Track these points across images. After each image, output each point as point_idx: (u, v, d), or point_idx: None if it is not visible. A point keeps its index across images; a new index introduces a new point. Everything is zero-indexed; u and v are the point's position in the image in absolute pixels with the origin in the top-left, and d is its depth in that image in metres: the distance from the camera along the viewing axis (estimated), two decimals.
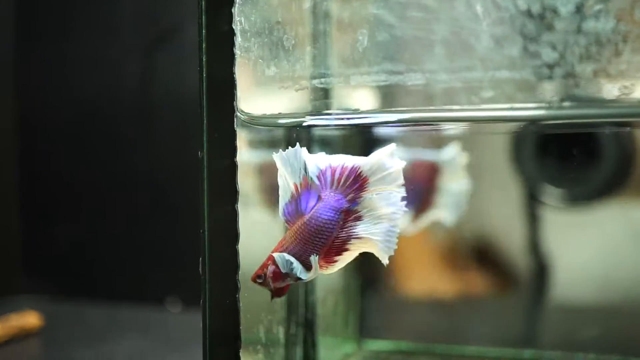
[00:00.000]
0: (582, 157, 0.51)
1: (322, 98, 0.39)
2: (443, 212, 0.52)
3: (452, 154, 0.51)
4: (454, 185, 0.52)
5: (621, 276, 0.53)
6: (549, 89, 0.36)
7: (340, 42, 0.39)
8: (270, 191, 0.41)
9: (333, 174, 0.36)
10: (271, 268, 0.36)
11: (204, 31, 0.36)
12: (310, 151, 0.35)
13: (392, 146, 0.35)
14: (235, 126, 0.37)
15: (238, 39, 0.37)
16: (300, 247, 0.36)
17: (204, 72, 0.37)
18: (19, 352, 0.64)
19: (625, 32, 0.35)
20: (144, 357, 0.61)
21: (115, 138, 0.81)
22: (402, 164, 0.35)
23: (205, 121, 0.37)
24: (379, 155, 0.35)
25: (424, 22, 0.37)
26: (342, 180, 0.36)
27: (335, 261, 0.36)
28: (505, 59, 0.36)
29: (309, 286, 0.47)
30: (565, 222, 0.54)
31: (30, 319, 0.68)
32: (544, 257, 0.54)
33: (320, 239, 0.36)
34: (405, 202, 0.35)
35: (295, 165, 0.36)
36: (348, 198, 0.36)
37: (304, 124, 0.40)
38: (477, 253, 0.57)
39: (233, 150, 0.37)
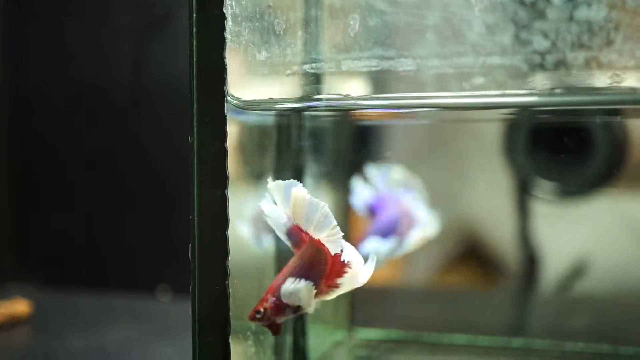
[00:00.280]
0: (573, 150, 0.51)
1: (313, 83, 0.39)
2: (425, 228, 0.52)
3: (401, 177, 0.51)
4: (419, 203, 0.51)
5: (611, 267, 0.53)
6: (540, 76, 0.36)
7: (332, 27, 0.39)
8: None
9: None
10: (272, 300, 0.37)
11: (194, 15, 0.36)
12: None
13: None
14: (225, 111, 0.37)
15: (229, 23, 0.37)
16: (304, 272, 0.37)
17: (194, 57, 0.37)
18: (7, 339, 0.64)
19: (617, 20, 0.35)
20: (134, 345, 0.61)
21: (108, 124, 0.81)
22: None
23: (195, 106, 0.37)
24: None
25: (415, 7, 0.36)
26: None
27: (338, 285, 0.37)
28: (497, 46, 0.36)
29: None
30: (556, 214, 0.54)
31: (19, 307, 0.68)
32: (534, 249, 0.54)
33: (320, 262, 0.37)
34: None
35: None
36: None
37: (295, 109, 0.40)
38: (467, 245, 0.57)
39: (223, 135, 0.37)
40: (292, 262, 0.38)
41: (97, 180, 0.82)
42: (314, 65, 0.39)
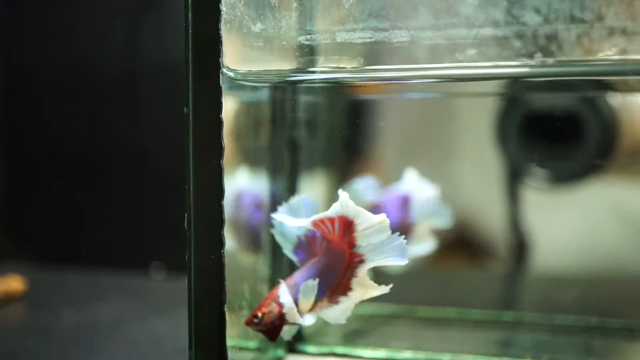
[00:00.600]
0: (564, 137, 0.52)
1: (308, 55, 0.39)
2: (435, 221, 0.51)
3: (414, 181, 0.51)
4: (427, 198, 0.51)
5: (601, 249, 0.54)
6: (532, 48, 0.36)
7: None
8: None
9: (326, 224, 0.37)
10: (273, 305, 0.38)
11: None
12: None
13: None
14: (220, 83, 0.37)
15: None
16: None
17: (189, 28, 0.37)
18: (2, 316, 0.64)
19: None
20: (128, 320, 0.62)
21: (102, 102, 0.81)
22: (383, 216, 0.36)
23: (190, 77, 0.37)
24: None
25: None
26: (336, 227, 0.37)
27: (338, 302, 0.37)
28: (489, 20, 0.37)
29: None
30: (548, 200, 0.54)
31: (13, 283, 0.68)
32: (524, 231, 0.55)
33: (330, 275, 0.38)
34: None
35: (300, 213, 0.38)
36: (346, 241, 0.37)
37: (290, 81, 0.40)
38: (457, 227, 0.57)
39: (219, 106, 0.37)
40: (302, 271, 0.38)
41: (92, 158, 0.82)
42: (308, 37, 0.39)
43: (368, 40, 0.37)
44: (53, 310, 0.64)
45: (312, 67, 0.39)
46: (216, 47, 0.37)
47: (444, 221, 0.49)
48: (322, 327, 0.49)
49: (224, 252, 0.38)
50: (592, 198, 0.53)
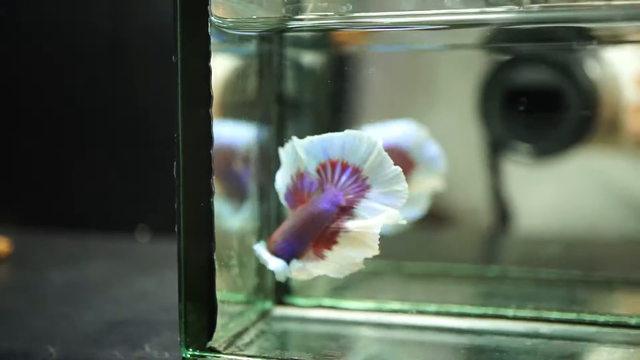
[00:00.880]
0: (546, 111, 0.52)
1: (296, 2, 0.39)
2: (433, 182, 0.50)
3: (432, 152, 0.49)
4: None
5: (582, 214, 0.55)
6: None
7: None
8: None
9: (333, 170, 0.37)
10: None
11: None
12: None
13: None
14: (209, 30, 0.37)
15: None
16: (295, 233, 0.38)
17: None
18: None
19: None
20: (114, 279, 0.62)
21: (88, 66, 0.81)
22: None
23: (179, 25, 0.37)
24: (379, 154, 0.36)
25: None
26: (343, 180, 0.36)
27: (324, 256, 0.37)
28: None
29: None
30: (530, 173, 0.55)
31: None
32: (507, 200, 0.56)
33: (314, 227, 0.37)
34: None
35: (293, 157, 0.37)
36: (347, 198, 0.37)
37: (277, 28, 0.40)
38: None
39: (207, 54, 0.37)
40: (290, 218, 0.38)
41: (77, 120, 0.81)
42: None
43: None
44: (40, 271, 0.64)
45: (301, 14, 0.39)
46: None
47: (440, 166, 0.48)
48: (310, 280, 0.50)
49: (213, 201, 0.38)
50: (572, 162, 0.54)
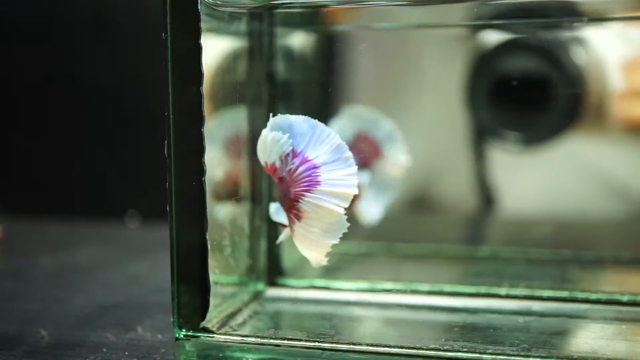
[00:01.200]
0: (533, 101, 0.52)
1: None
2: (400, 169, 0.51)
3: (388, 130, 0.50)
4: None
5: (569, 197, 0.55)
6: None
7: None
8: None
9: (293, 159, 0.36)
10: None
11: None
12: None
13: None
14: (199, 8, 0.37)
15: None
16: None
17: None
18: None
19: None
20: (106, 263, 0.62)
21: (75, 47, 0.80)
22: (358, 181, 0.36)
23: (168, 2, 0.37)
24: (339, 151, 0.36)
25: None
26: (297, 172, 0.36)
27: (294, 228, 0.37)
28: None
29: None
30: (518, 159, 0.55)
31: None
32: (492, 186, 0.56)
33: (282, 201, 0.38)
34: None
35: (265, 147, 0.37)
36: (294, 191, 0.36)
37: (266, 5, 0.40)
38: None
39: (197, 32, 0.37)
40: None
41: (67, 106, 0.81)
42: None
43: None
44: (31, 256, 0.64)
45: None
46: None
47: (403, 155, 0.48)
48: (302, 260, 0.50)
49: (204, 180, 0.38)
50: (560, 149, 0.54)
